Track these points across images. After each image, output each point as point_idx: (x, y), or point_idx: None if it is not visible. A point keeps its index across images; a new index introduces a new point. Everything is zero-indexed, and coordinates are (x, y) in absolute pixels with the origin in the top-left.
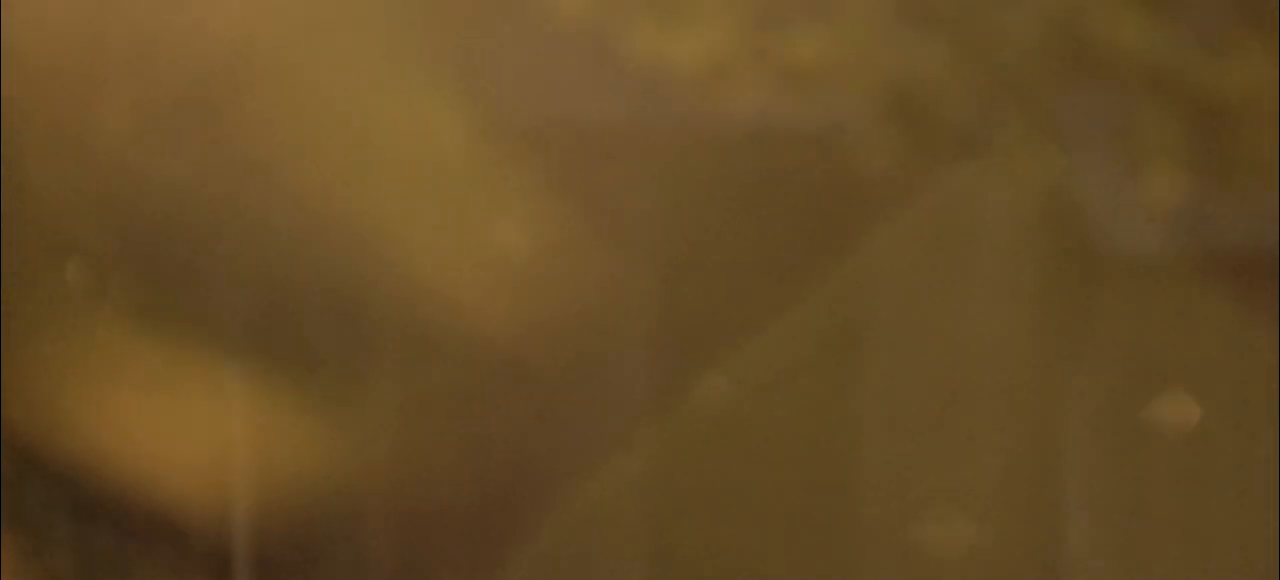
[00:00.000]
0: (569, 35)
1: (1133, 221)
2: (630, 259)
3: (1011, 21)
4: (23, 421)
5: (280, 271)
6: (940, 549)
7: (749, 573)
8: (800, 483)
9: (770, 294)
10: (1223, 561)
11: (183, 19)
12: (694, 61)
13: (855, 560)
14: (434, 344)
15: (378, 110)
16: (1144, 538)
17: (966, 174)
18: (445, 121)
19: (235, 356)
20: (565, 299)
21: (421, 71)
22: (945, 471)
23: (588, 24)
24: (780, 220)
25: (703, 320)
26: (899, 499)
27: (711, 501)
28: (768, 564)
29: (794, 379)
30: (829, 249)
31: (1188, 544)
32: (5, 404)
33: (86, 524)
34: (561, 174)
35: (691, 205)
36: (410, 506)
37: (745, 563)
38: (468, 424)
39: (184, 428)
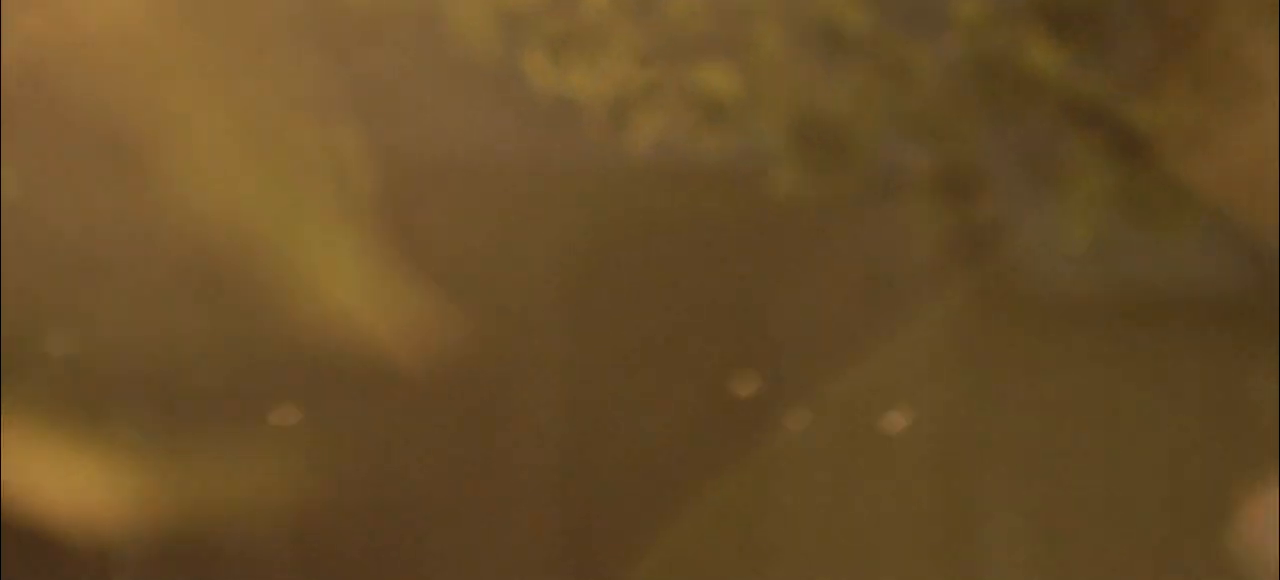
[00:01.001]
0: (473, 67)
1: (1053, 258)
2: (538, 292)
3: (928, 53)
4: None
5: (176, 311)
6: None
7: None
8: (715, 519)
9: (679, 327)
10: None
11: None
12: (599, 94)
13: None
14: (338, 378)
15: (277, 145)
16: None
17: (882, 209)
18: (348, 155)
19: (125, 396)
20: (472, 332)
21: (322, 104)
22: (859, 516)
23: (492, 56)
24: (688, 255)
25: (611, 353)
26: (813, 551)
27: (625, 537)
28: None
29: (702, 417)
30: (739, 284)
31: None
32: None
33: None
34: (466, 207)
35: (598, 239)
36: (312, 541)
37: None
38: (372, 459)
39: (71, 462)
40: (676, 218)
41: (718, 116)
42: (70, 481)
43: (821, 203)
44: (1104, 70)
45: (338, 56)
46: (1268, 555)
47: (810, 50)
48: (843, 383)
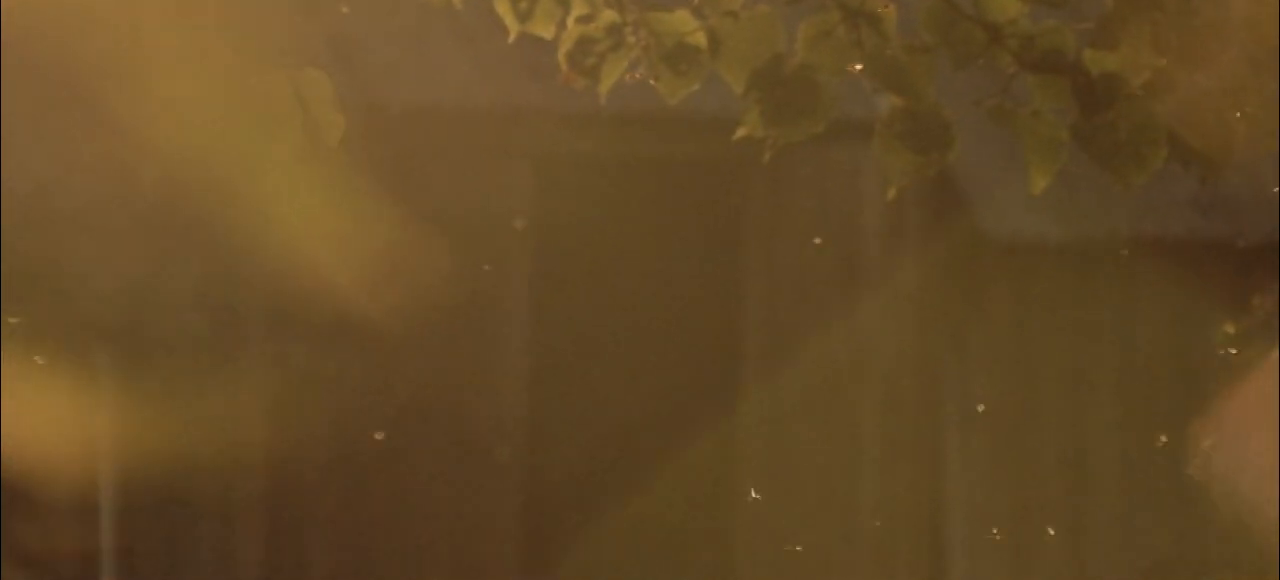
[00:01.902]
0: (444, 15)
1: (1014, 203)
2: (502, 238)
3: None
4: None
5: (148, 262)
6: (823, 532)
7: (623, 563)
8: (680, 469)
9: (642, 272)
10: (1102, 546)
11: (44, 12)
12: (566, 40)
13: (729, 538)
14: (304, 326)
15: (247, 95)
16: (1025, 519)
17: (844, 154)
18: (317, 103)
19: (104, 340)
20: (437, 278)
21: (293, 53)
22: (826, 453)
23: (459, 7)
24: (654, 198)
25: (575, 296)
26: (776, 484)
27: (584, 484)
28: (644, 549)
29: (669, 360)
30: (702, 227)
31: (1067, 526)
32: None
33: None
34: (433, 155)
35: (563, 184)
36: (278, 480)
37: (616, 548)
38: (337, 401)
39: (53, 407)
40: (641, 161)
41: (682, 62)
42: (51, 427)
43: (785, 149)
44: (1064, 16)
45: (309, 6)
46: (1228, 482)
47: None
48: (807, 320)
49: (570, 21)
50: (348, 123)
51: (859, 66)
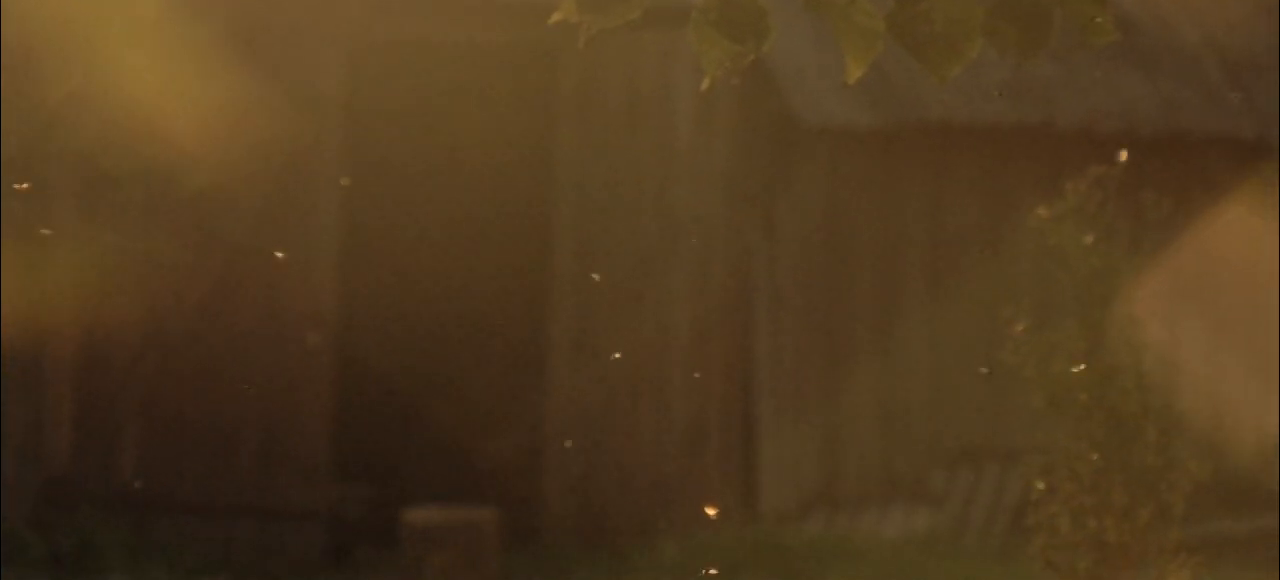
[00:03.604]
0: None
1: (829, 90)
2: (316, 122)
3: None
4: None
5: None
6: (634, 411)
7: (431, 449)
8: (491, 352)
9: (455, 158)
10: (909, 426)
11: None
12: None
13: (538, 422)
14: (116, 205)
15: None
16: (833, 398)
17: (661, 44)
18: None
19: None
20: (250, 159)
21: None
22: (638, 333)
23: None
24: (467, 84)
25: (387, 180)
26: (589, 362)
27: (395, 368)
28: (452, 434)
29: (482, 245)
30: (516, 113)
31: (875, 407)
32: None
33: None
34: (250, 37)
35: (377, 69)
36: (88, 358)
37: (426, 432)
38: (149, 282)
39: None
40: (457, 46)
41: None
42: None
43: (599, 34)
44: None
45: None
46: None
47: None
48: (620, 203)
49: None
50: (167, 1)
51: None
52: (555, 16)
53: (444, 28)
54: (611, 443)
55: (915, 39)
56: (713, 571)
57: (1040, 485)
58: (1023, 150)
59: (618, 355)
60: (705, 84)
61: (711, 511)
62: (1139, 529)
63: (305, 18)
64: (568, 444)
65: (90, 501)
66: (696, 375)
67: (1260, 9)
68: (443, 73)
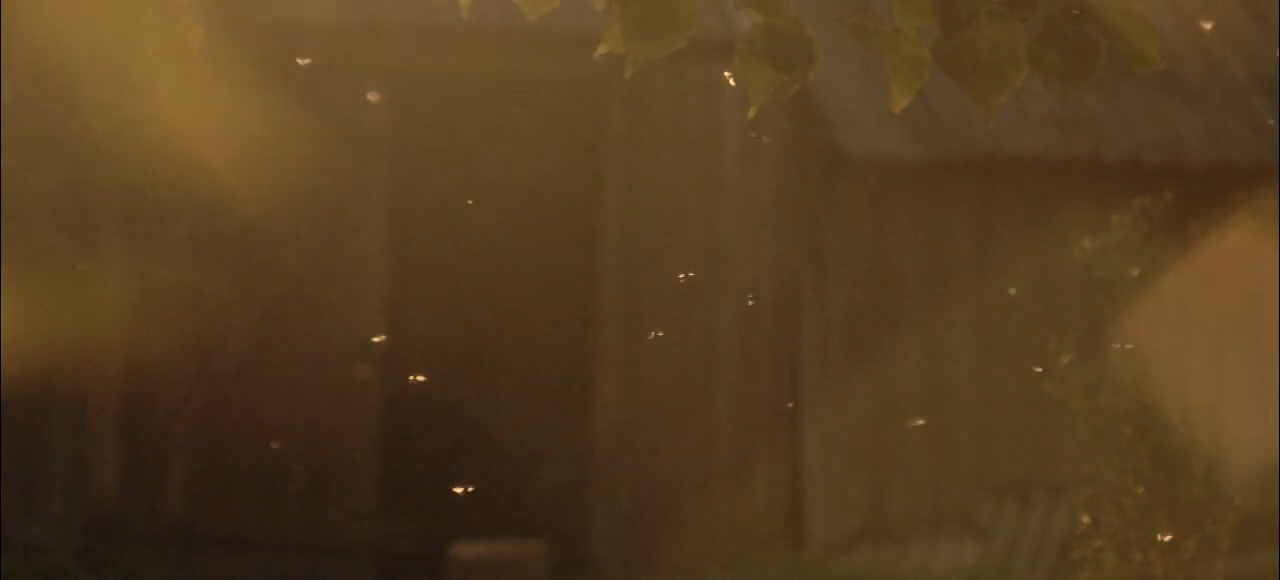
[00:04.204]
0: None
1: (875, 120)
2: (362, 155)
3: None
4: None
5: (80, 171)
6: (682, 443)
7: (478, 481)
8: (538, 387)
9: (500, 190)
10: (956, 457)
11: None
12: None
13: (587, 452)
14: (163, 240)
15: (107, 2)
16: (881, 429)
17: (706, 74)
18: (177, 15)
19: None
20: (296, 194)
21: None
22: (685, 365)
23: None
24: (514, 117)
25: (434, 214)
26: (637, 394)
27: (443, 401)
28: (500, 468)
29: (529, 278)
30: (563, 145)
31: (923, 438)
32: None
33: None
34: (295, 70)
35: (422, 102)
36: (137, 393)
37: (472, 466)
38: (197, 316)
39: None
40: (502, 78)
41: None
42: None
43: (646, 66)
44: None
45: None
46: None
47: None
48: (669, 233)
49: None
50: (211, 36)
51: None
52: (602, 48)
53: (491, 60)
54: (658, 474)
55: (961, 67)
56: None
57: (1085, 519)
58: (1069, 182)
59: (664, 386)
60: (751, 112)
61: (758, 544)
62: (1184, 563)
63: (351, 50)
64: (613, 476)
65: (137, 538)
66: (743, 406)
67: None
68: (490, 105)
